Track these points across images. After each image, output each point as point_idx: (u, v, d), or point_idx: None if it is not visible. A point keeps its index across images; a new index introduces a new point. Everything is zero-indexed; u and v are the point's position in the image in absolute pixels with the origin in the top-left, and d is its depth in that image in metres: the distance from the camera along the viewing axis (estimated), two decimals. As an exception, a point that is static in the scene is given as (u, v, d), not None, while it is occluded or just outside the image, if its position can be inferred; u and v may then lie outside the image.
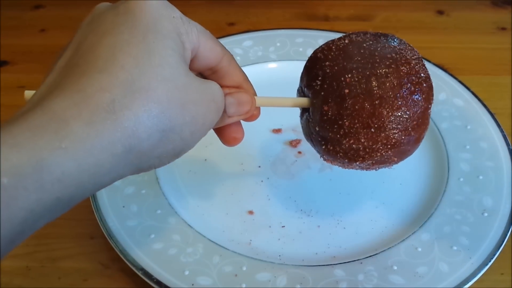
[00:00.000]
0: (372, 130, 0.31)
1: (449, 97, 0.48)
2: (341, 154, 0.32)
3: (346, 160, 0.32)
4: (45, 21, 0.62)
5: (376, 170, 0.34)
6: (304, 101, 0.34)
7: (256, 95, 0.33)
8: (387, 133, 0.31)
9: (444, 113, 0.47)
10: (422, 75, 0.32)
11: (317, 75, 0.32)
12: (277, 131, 0.47)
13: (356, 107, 0.30)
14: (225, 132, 0.33)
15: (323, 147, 0.33)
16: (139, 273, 0.35)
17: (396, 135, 0.31)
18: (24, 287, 0.37)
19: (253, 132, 0.47)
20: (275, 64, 0.52)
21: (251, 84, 0.33)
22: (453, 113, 0.47)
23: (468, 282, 0.35)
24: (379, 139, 0.31)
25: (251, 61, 0.51)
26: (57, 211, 0.23)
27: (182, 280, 0.35)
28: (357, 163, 0.32)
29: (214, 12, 0.63)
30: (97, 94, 0.23)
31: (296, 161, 0.44)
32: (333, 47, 0.33)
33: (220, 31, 0.60)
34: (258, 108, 0.34)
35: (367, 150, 0.31)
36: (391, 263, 0.36)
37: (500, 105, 0.50)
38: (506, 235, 0.38)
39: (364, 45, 0.32)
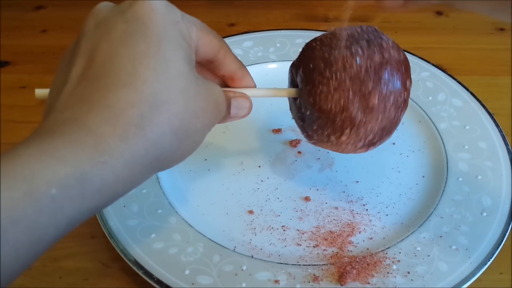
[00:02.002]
0: (356, 107, 0.33)
1: (448, 97, 0.48)
2: (327, 133, 0.35)
3: (333, 138, 0.35)
4: (46, 22, 0.62)
5: (363, 150, 0.37)
6: (293, 91, 0.37)
7: (252, 80, 0.36)
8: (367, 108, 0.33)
9: (443, 113, 0.47)
10: (397, 56, 0.34)
11: (301, 66, 0.36)
12: (277, 131, 0.47)
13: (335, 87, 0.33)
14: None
15: (310, 128, 0.36)
16: (140, 273, 0.35)
17: (375, 107, 0.33)
18: (25, 287, 0.37)
19: (253, 132, 0.47)
20: (275, 65, 0.52)
21: (247, 71, 0.35)
22: (452, 113, 0.47)
23: (467, 282, 0.35)
24: (363, 117, 0.34)
25: (251, 62, 0.52)
26: (93, 214, 0.25)
27: (182, 279, 0.35)
28: (345, 139, 0.35)
29: (214, 13, 0.64)
30: (126, 111, 0.25)
31: (296, 161, 0.45)
32: (317, 42, 0.36)
33: (220, 31, 0.59)
34: (251, 107, 0.36)
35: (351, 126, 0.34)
36: (390, 263, 0.36)
37: (499, 105, 0.51)
38: (505, 234, 0.38)
39: (343, 38, 0.34)
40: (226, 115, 0.33)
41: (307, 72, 0.35)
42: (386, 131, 0.35)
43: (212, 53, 0.32)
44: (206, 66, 0.34)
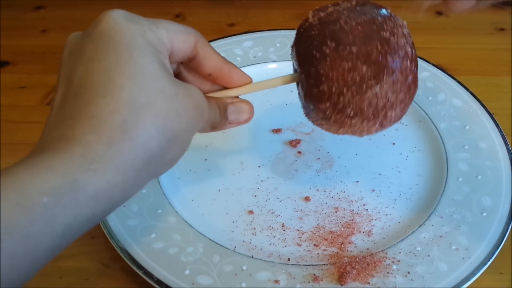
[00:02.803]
0: (354, 90, 0.32)
1: (448, 97, 0.48)
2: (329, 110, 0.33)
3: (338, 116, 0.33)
4: (46, 22, 0.62)
5: (364, 134, 0.35)
6: (292, 76, 0.36)
7: (243, 73, 0.35)
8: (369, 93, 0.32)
9: (443, 113, 0.47)
10: (402, 41, 0.32)
11: (300, 48, 0.34)
12: (277, 131, 0.47)
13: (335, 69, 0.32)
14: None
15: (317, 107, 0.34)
16: (140, 273, 0.35)
17: (378, 94, 0.32)
18: (25, 287, 0.37)
19: (253, 132, 0.47)
20: (275, 65, 0.52)
21: (233, 64, 0.35)
22: (452, 113, 0.47)
23: (467, 282, 0.35)
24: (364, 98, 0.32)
25: (251, 62, 0.52)
26: (92, 223, 0.26)
27: (182, 279, 0.35)
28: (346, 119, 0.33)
29: (214, 13, 0.64)
30: (108, 118, 0.26)
31: (296, 161, 0.45)
32: (315, 19, 0.34)
33: (220, 31, 0.60)
34: (253, 110, 0.36)
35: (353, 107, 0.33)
36: (390, 263, 0.36)
37: (499, 105, 0.51)
38: (505, 234, 0.38)
39: (344, 14, 0.33)
40: (223, 121, 0.34)
41: (300, 54, 0.34)
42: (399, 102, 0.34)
43: (189, 49, 0.32)
44: (191, 66, 0.34)
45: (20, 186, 0.23)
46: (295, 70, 0.37)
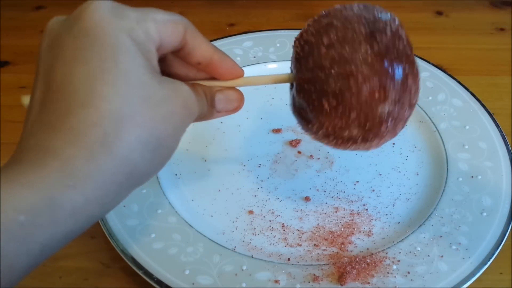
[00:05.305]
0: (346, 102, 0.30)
1: (448, 97, 0.48)
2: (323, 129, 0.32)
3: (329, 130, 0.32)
4: (46, 22, 0.61)
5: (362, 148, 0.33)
6: (284, 76, 0.34)
7: (235, 64, 0.33)
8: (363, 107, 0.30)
9: (443, 113, 0.47)
10: (401, 48, 0.31)
11: (298, 51, 0.33)
12: (277, 131, 0.47)
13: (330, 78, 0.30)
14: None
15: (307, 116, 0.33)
16: (140, 273, 0.35)
17: (374, 108, 0.30)
18: (25, 287, 0.37)
19: (253, 132, 0.47)
20: (275, 65, 0.52)
21: (224, 54, 0.32)
22: (451, 113, 0.47)
23: (467, 282, 0.35)
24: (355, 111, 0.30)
25: (251, 62, 0.52)
26: (70, 239, 0.25)
27: (182, 279, 0.35)
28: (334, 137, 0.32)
29: (214, 13, 0.64)
30: (89, 131, 0.24)
31: (296, 161, 0.45)
32: (314, 24, 0.33)
33: (220, 32, 0.60)
34: (242, 99, 0.34)
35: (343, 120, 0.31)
36: (390, 263, 0.36)
37: (499, 105, 0.51)
38: (505, 234, 0.38)
39: (344, 18, 0.32)
40: (211, 110, 0.31)
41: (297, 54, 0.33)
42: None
43: (178, 39, 0.30)
44: (179, 56, 0.31)
45: None
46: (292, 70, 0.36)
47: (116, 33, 0.26)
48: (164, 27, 0.28)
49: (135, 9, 0.28)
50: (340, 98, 0.30)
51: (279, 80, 0.34)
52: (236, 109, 0.33)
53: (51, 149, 0.24)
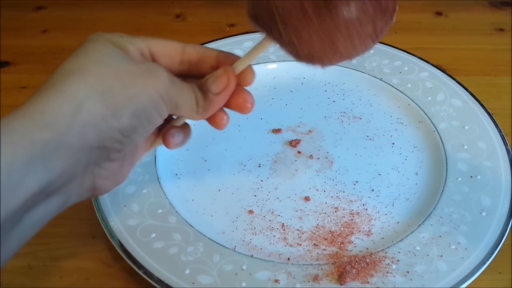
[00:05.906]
0: None
1: (447, 97, 0.49)
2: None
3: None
4: (46, 22, 0.62)
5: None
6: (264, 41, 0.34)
7: (231, 54, 0.35)
8: None
9: (442, 113, 0.47)
10: None
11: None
12: (277, 131, 0.47)
13: None
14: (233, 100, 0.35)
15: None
16: (140, 272, 0.35)
17: None
18: (26, 286, 0.37)
19: (253, 132, 0.47)
20: (275, 65, 0.52)
21: (228, 53, 0.35)
22: (451, 113, 0.47)
23: (466, 281, 0.35)
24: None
25: (251, 62, 0.52)
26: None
27: (182, 279, 0.35)
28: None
29: (214, 14, 0.64)
30: (44, 84, 0.29)
31: (296, 161, 0.45)
32: None
33: (221, 32, 0.60)
34: (250, 99, 0.35)
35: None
36: (389, 262, 0.37)
37: (498, 105, 0.51)
38: (504, 234, 0.38)
39: None
40: (209, 96, 0.33)
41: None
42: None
43: (176, 52, 0.33)
44: (191, 70, 0.34)
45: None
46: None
47: (100, 39, 0.31)
48: (155, 41, 0.32)
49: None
50: None
51: (262, 46, 0.34)
52: (229, 84, 0.33)
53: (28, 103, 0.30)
